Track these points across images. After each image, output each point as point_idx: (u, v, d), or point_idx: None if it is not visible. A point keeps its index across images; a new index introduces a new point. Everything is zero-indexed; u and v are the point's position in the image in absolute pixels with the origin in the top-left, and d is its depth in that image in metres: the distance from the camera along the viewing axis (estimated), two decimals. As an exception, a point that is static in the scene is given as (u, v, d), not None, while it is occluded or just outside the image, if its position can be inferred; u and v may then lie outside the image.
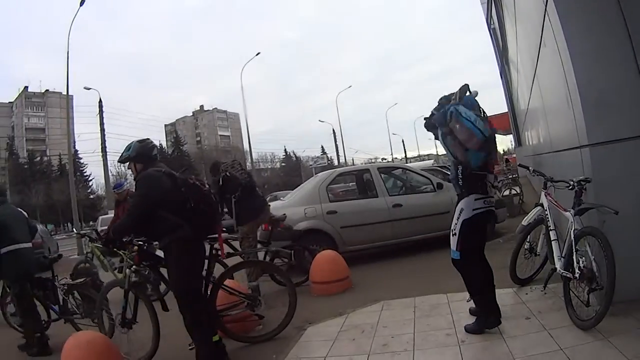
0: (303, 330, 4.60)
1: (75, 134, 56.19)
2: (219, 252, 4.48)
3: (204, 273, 4.19)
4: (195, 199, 3.85)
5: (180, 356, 4.21)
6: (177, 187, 3.88)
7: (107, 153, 34.63)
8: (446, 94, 3.88)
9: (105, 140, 34.97)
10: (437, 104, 3.88)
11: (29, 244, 5.45)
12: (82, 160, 62.30)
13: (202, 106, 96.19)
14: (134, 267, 4.45)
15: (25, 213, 5.84)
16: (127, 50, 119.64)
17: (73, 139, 48.13)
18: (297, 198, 8.42)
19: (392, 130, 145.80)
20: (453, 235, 3.80)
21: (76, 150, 58.78)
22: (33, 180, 59.18)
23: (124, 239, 4.40)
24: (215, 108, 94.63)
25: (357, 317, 4.81)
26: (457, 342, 3.68)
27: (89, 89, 36.22)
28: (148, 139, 4.33)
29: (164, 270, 4.27)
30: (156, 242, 4.30)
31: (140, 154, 4.14)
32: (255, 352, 4.28)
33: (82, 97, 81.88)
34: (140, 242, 4.41)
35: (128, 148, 4.19)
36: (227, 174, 6.70)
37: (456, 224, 3.77)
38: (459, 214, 3.76)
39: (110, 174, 38.88)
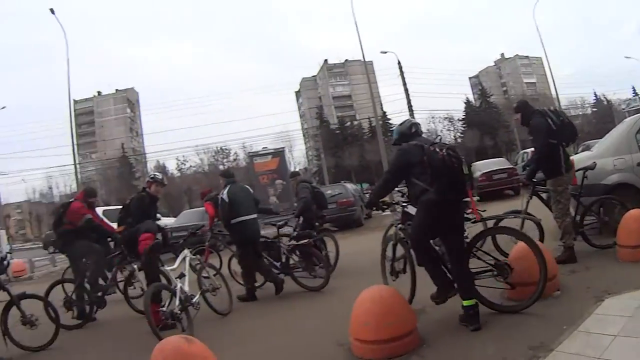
0: (600, 301, 4.11)
1: (380, 97, 60.57)
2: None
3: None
4: (436, 167, 4.16)
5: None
6: (422, 157, 4.28)
7: (414, 112, 35.82)
8: None
9: (410, 100, 36.40)
10: None
11: (254, 216, 7.03)
12: (390, 121, 64.48)
13: (502, 54, 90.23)
14: (399, 224, 5.18)
15: (251, 190, 7.49)
16: (414, 10, 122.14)
17: (379, 102, 52.15)
18: (604, 147, 7.17)
19: None
20: None
21: (384, 112, 63.26)
22: (345, 144, 65.79)
23: (381, 203, 5.16)
24: (517, 55, 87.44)
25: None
26: None
27: (385, 52, 38.18)
28: (407, 120, 4.95)
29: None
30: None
31: (401, 134, 4.77)
32: (546, 322, 3.98)
33: (380, 60, 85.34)
34: (404, 204, 5.10)
35: (394, 133, 5.00)
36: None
37: None
38: None
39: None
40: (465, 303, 4.19)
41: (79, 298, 6.79)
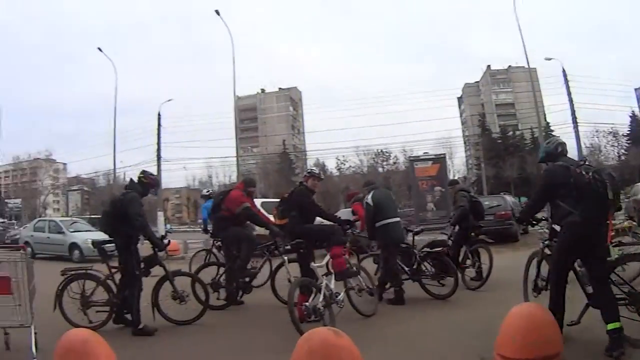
0: None
1: (544, 106, 56.68)
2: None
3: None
4: (582, 189, 4.20)
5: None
6: (568, 178, 4.30)
7: (578, 124, 33.34)
8: None
9: (574, 111, 33.81)
10: None
11: (398, 219, 7.25)
12: (553, 132, 61.33)
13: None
14: (547, 242, 5.10)
15: (392, 194, 7.79)
16: (578, 15, 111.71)
17: (542, 111, 48.76)
18: None
19: None
20: None
21: (547, 123, 59.13)
22: (506, 154, 62.27)
23: (531, 219, 5.30)
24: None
25: None
26: None
27: (549, 59, 35.50)
28: (552, 138, 5.25)
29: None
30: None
31: (548, 154, 4.82)
32: None
33: (545, 68, 79.91)
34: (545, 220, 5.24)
35: (540, 151, 5.09)
36: None
37: None
38: None
39: (583, 145, 37.82)
40: (610, 326, 4.06)
41: (228, 281, 7.14)
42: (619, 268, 4.61)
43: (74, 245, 16.04)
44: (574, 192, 4.23)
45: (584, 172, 4.24)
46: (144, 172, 6.56)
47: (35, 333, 4.29)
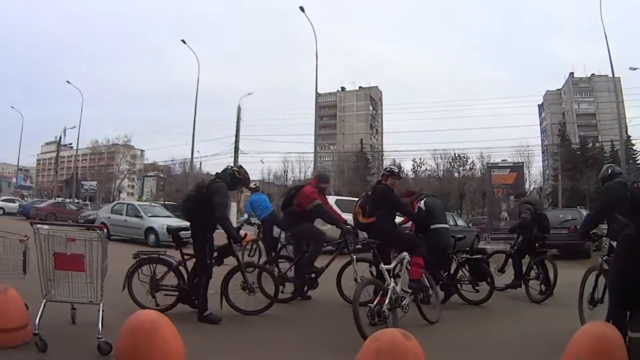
0: None
1: (626, 118, 53.66)
2: None
3: None
4: (638, 202, 4.32)
5: None
6: (625, 192, 4.49)
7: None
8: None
9: (656, 125, 31.88)
10: None
11: (447, 225, 7.57)
12: (634, 147, 58.67)
13: None
14: (605, 257, 5.24)
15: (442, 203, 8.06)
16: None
17: (624, 124, 46.22)
18: None
19: None
20: None
21: (628, 136, 55.92)
22: (585, 166, 59.36)
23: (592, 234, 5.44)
24: None
25: None
26: None
27: (634, 69, 33.87)
28: (603, 166, 5.82)
29: None
30: None
31: (603, 178, 5.53)
32: None
33: (629, 78, 75.49)
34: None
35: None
36: None
37: None
38: None
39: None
40: None
41: (296, 276, 7.10)
42: None
43: (150, 230, 16.49)
44: (630, 206, 4.36)
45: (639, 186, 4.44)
46: (240, 167, 6.60)
47: (102, 311, 4.33)
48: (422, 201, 7.46)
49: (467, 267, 7.49)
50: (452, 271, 7.48)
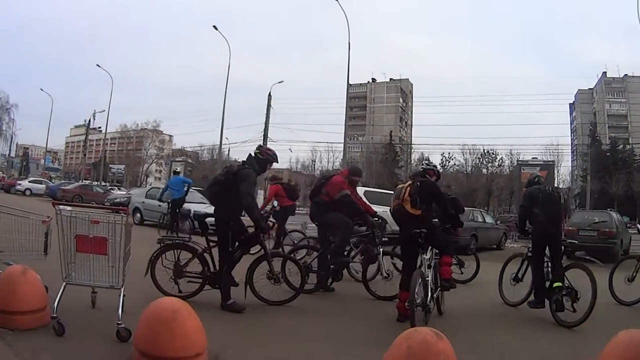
0: None
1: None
2: None
3: None
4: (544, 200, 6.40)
5: None
6: (538, 194, 6.53)
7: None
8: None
9: None
10: None
11: None
12: None
13: None
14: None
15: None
16: None
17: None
18: None
19: None
20: None
21: (658, 139, 54.50)
22: (615, 168, 57.88)
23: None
24: None
25: None
26: None
27: None
28: (538, 176, 7.40)
29: None
30: None
31: (528, 181, 7.05)
32: None
33: None
34: None
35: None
36: None
37: None
38: None
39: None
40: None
41: (321, 266, 6.93)
42: None
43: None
44: (541, 203, 6.41)
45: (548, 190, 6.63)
46: (260, 147, 6.37)
47: (123, 296, 4.23)
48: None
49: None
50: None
